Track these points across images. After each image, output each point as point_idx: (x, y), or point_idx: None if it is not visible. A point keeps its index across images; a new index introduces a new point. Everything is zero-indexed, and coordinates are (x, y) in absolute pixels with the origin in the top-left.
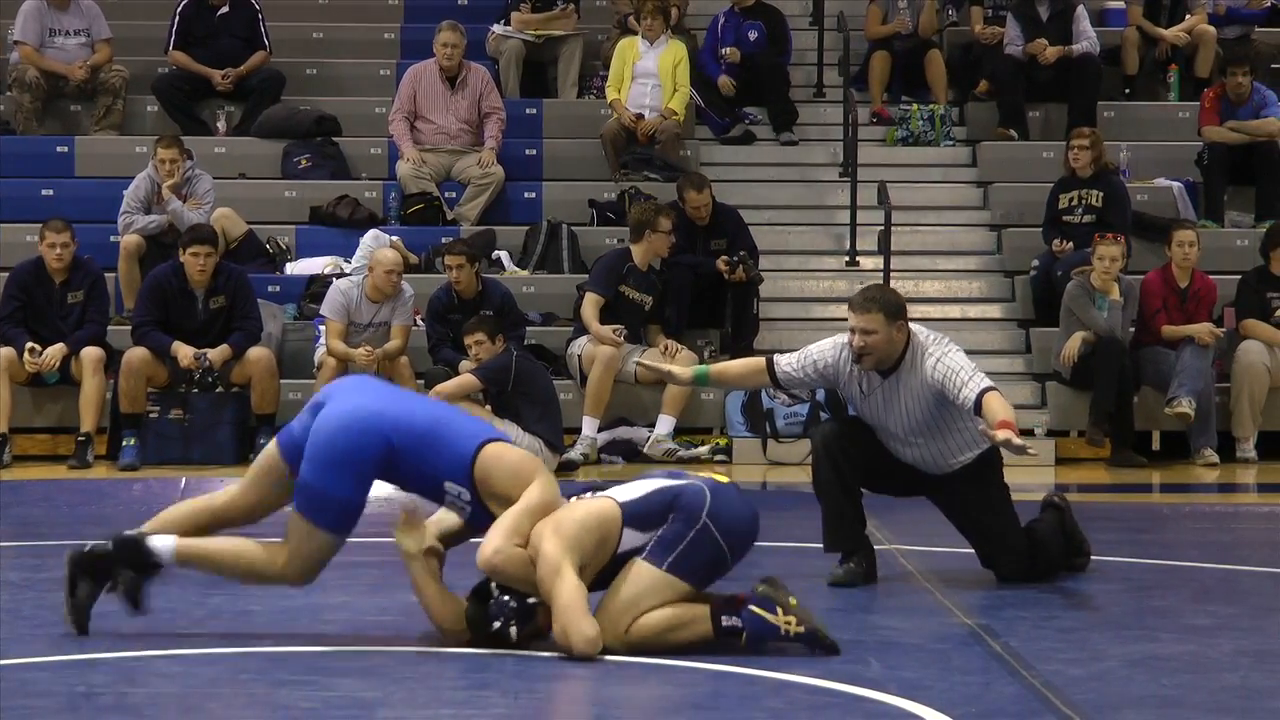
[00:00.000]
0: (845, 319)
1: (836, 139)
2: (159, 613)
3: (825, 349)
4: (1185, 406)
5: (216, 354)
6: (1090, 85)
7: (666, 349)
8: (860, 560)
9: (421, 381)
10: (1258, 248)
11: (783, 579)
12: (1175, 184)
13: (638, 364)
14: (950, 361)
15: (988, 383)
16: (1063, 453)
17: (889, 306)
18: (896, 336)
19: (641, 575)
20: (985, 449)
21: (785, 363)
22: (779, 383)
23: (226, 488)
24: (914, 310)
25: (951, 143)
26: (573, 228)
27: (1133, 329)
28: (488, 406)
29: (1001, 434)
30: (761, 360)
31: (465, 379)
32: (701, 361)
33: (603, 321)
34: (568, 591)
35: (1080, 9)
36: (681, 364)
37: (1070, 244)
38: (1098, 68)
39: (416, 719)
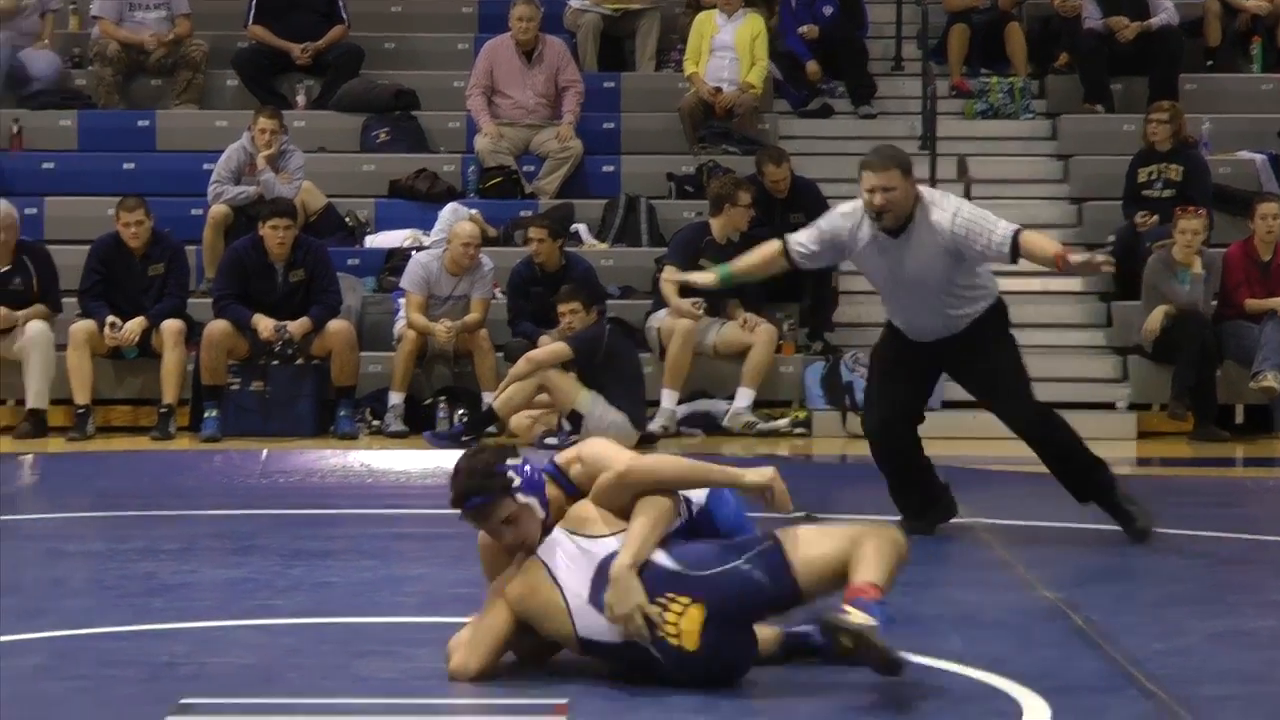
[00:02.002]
0: None
1: (915, 112)
2: (240, 583)
3: (835, 219)
4: (1270, 380)
5: (296, 327)
6: (1171, 58)
7: (745, 322)
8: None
9: (501, 354)
10: None
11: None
12: (1258, 156)
13: (663, 280)
14: (970, 211)
15: (1014, 224)
16: (1144, 427)
17: (904, 162)
18: (911, 192)
19: None
20: (993, 300)
21: (798, 241)
22: (795, 263)
23: None
24: None
25: (1031, 115)
26: (651, 201)
27: (1214, 303)
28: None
29: (1075, 258)
30: (777, 243)
31: (558, 346)
32: (782, 336)
33: (682, 295)
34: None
35: None
36: (762, 339)
37: (1155, 217)
38: (1178, 40)
39: (495, 690)
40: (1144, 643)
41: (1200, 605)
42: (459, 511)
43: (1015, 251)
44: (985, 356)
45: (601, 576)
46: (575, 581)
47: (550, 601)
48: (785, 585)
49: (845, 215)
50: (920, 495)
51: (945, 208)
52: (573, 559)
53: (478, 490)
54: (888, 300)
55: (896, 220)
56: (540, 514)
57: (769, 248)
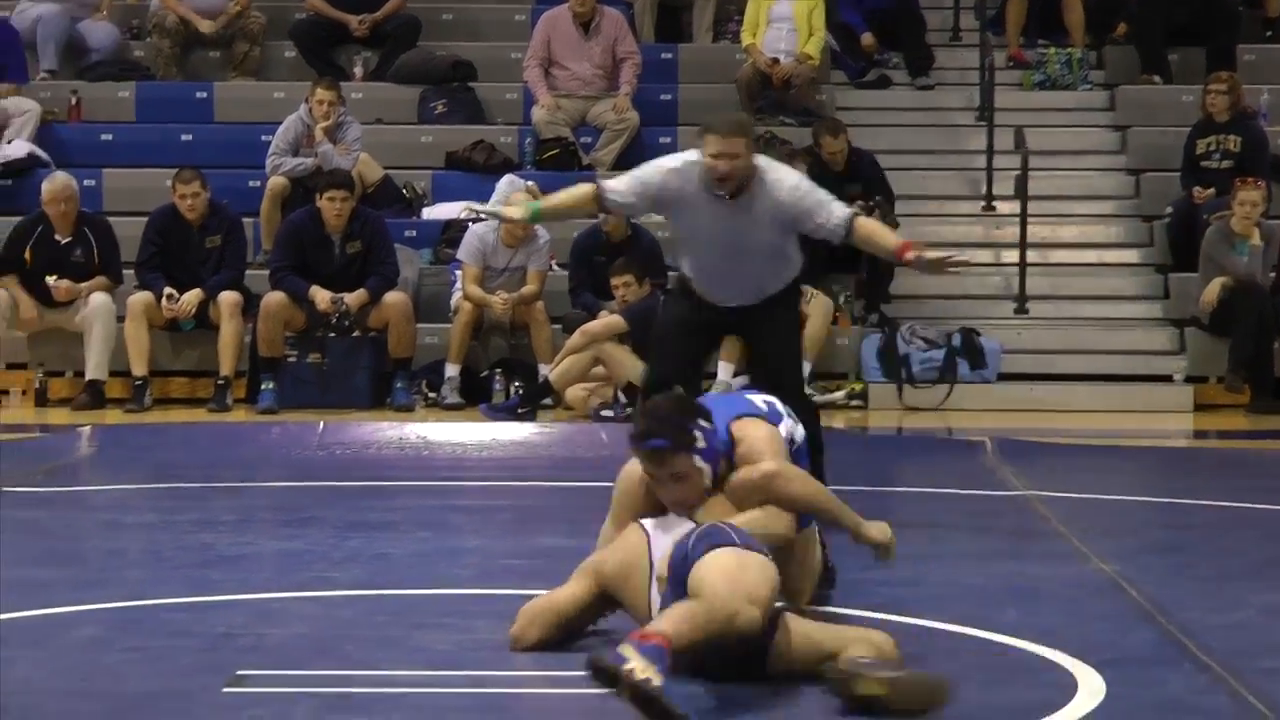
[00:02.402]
0: (983, 263)
1: (973, 83)
2: (297, 555)
3: (662, 173)
4: None
5: (353, 298)
6: (1229, 28)
7: (802, 294)
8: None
9: (558, 326)
10: None
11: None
12: None
13: (467, 207)
14: (810, 186)
15: (851, 208)
16: (1201, 399)
17: (749, 130)
18: (751, 161)
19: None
20: (795, 275)
21: (613, 188)
22: (607, 207)
23: None
24: (1051, 255)
25: (1089, 86)
26: None
27: (1273, 274)
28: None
29: (929, 255)
30: (590, 186)
31: (612, 320)
32: (838, 308)
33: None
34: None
35: None
36: (818, 311)
37: (1211, 190)
38: (1236, 10)
39: (550, 662)
40: (1199, 616)
41: (1256, 578)
42: (634, 447)
43: (850, 233)
44: (775, 332)
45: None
46: (663, 562)
47: (637, 574)
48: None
49: (675, 171)
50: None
51: (785, 179)
52: (671, 532)
53: (662, 434)
54: (699, 261)
55: (736, 187)
56: (707, 483)
57: (581, 189)
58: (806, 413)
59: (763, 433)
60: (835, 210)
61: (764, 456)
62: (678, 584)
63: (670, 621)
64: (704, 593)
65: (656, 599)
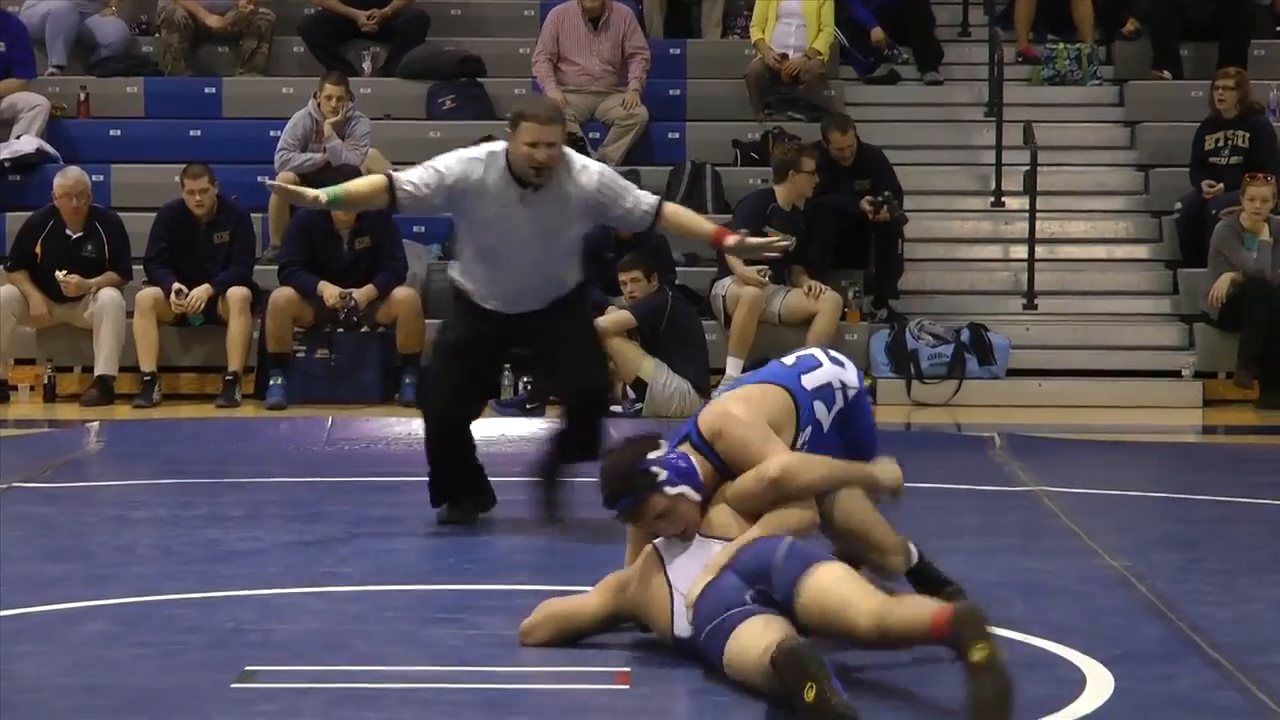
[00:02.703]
0: (991, 258)
1: (982, 78)
2: (306, 550)
3: (461, 163)
4: None
5: (362, 294)
6: (1243, 23)
7: (810, 290)
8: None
9: None
10: None
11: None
12: None
13: (267, 184)
14: (613, 174)
15: (656, 196)
16: (1210, 395)
17: (564, 116)
18: (563, 148)
19: None
20: (580, 279)
21: (409, 181)
22: (398, 201)
23: None
24: (1060, 251)
25: (1098, 82)
26: (716, 168)
27: None
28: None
29: (745, 241)
30: (382, 178)
31: (621, 315)
32: (847, 304)
33: (747, 262)
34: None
35: None
36: (827, 306)
37: (1220, 186)
38: (1250, 5)
39: (558, 658)
40: (1209, 611)
41: (1266, 573)
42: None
43: (657, 219)
44: (571, 337)
45: None
46: (684, 581)
47: (658, 596)
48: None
49: (477, 161)
50: (466, 480)
51: (589, 167)
52: (692, 557)
53: (625, 492)
54: (490, 263)
55: (551, 177)
56: (696, 497)
57: (375, 180)
58: (602, 407)
59: (740, 427)
60: (641, 196)
61: (757, 454)
62: (726, 605)
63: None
64: (853, 606)
65: (682, 621)
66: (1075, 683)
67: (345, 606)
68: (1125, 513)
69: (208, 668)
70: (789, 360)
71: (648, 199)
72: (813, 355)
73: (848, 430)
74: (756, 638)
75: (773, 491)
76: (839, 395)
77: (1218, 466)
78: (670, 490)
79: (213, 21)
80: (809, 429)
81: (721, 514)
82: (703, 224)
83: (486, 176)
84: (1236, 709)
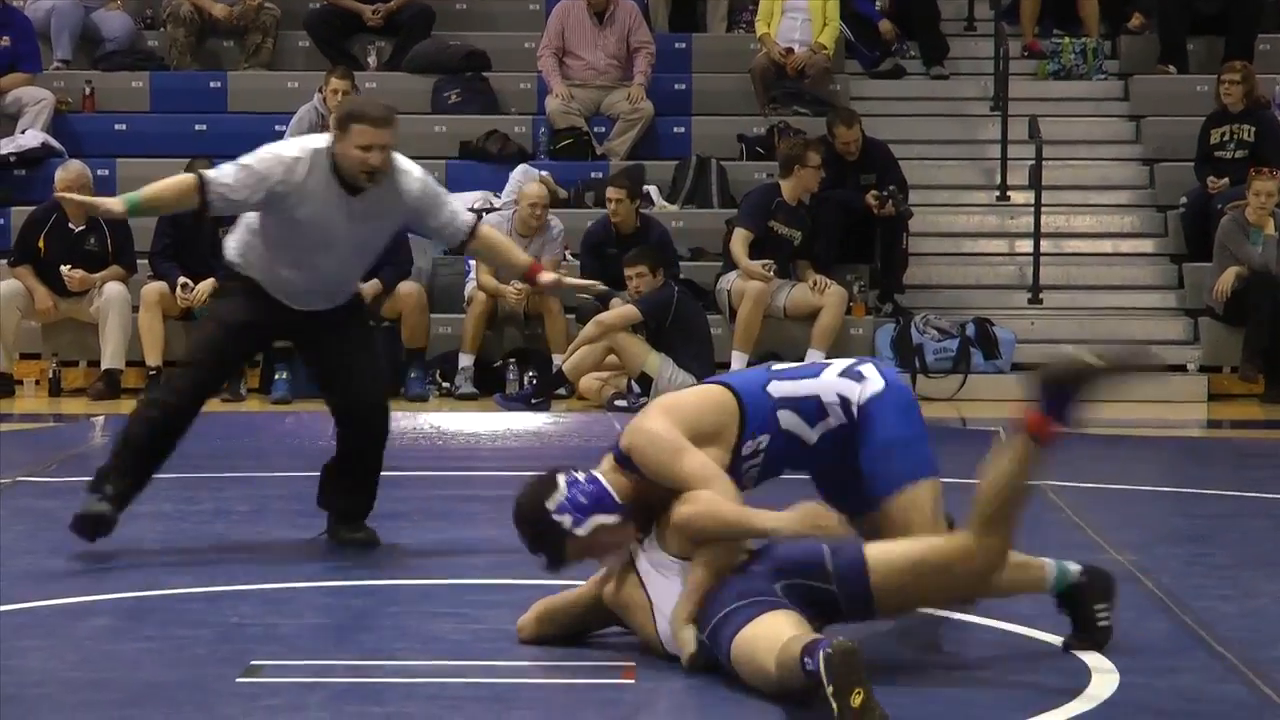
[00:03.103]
0: (997, 253)
1: (987, 73)
2: (310, 545)
3: (279, 162)
4: None
5: (367, 288)
6: (1249, 18)
7: (815, 284)
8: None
9: (572, 316)
10: None
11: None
12: None
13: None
14: (435, 183)
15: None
16: (1215, 389)
17: (396, 119)
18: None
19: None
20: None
21: (221, 183)
22: (209, 202)
23: None
24: (1065, 245)
25: (1104, 76)
26: (722, 162)
27: None
28: (641, 336)
29: (549, 278)
30: (191, 178)
31: (627, 310)
32: (852, 298)
33: (752, 256)
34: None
35: None
36: (832, 301)
37: (1225, 180)
38: (1264, 1)
39: (564, 652)
40: (1214, 605)
41: (1271, 567)
42: None
43: (471, 238)
44: (350, 338)
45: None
46: (661, 593)
47: (636, 603)
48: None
49: (296, 160)
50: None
51: (412, 172)
52: (661, 568)
53: (538, 547)
54: (293, 259)
55: (381, 182)
56: (612, 520)
57: (182, 180)
58: (385, 422)
59: (648, 448)
60: (459, 212)
61: (663, 471)
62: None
63: None
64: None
65: (667, 632)
66: (1080, 676)
67: (350, 601)
68: (1130, 507)
69: (213, 662)
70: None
71: (465, 216)
72: (828, 365)
73: (854, 450)
74: (779, 630)
75: (684, 534)
76: (836, 411)
77: (1223, 461)
78: (580, 531)
79: (218, 10)
80: (765, 437)
81: (664, 526)
82: (518, 254)
83: (309, 177)
84: (1242, 703)
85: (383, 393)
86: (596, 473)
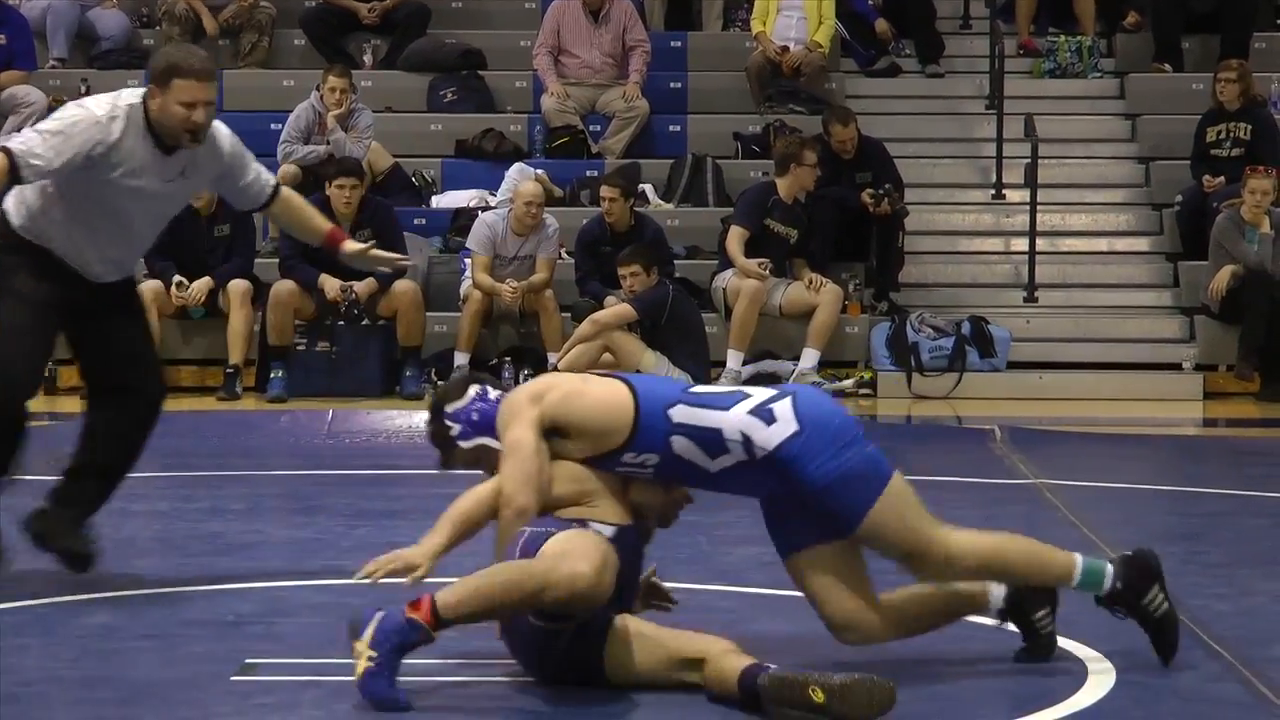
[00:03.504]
0: (992, 251)
1: (983, 71)
2: (307, 543)
3: (91, 124)
4: None
5: (363, 287)
6: (1244, 16)
7: (811, 283)
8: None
9: (568, 314)
10: None
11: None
12: None
13: None
14: (242, 145)
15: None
16: (1211, 387)
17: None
18: None
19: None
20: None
21: (34, 155)
22: (23, 178)
23: None
24: (1061, 244)
25: (1099, 75)
26: (717, 161)
27: None
28: (636, 334)
29: (353, 247)
30: (2, 159)
31: (622, 308)
32: (848, 296)
33: (748, 255)
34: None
35: None
36: (828, 299)
37: (1221, 179)
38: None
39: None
40: (1210, 604)
41: (1267, 566)
42: None
43: (272, 200)
44: (135, 318)
45: None
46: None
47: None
48: None
49: (110, 120)
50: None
51: (221, 129)
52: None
53: (431, 441)
54: (92, 225)
55: (203, 141)
56: (497, 445)
57: None
58: (159, 411)
59: (505, 405)
60: (262, 172)
61: (499, 426)
62: None
63: (456, 589)
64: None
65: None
66: (1076, 675)
67: (346, 599)
68: (1126, 505)
69: (208, 660)
70: (742, 388)
71: (268, 176)
72: (745, 397)
73: (793, 496)
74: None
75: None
76: (737, 449)
77: (1219, 459)
78: (466, 444)
79: (209, 26)
80: (653, 456)
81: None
82: (319, 220)
83: (124, 137)
84: (1238, 702)
85: (163, 378)
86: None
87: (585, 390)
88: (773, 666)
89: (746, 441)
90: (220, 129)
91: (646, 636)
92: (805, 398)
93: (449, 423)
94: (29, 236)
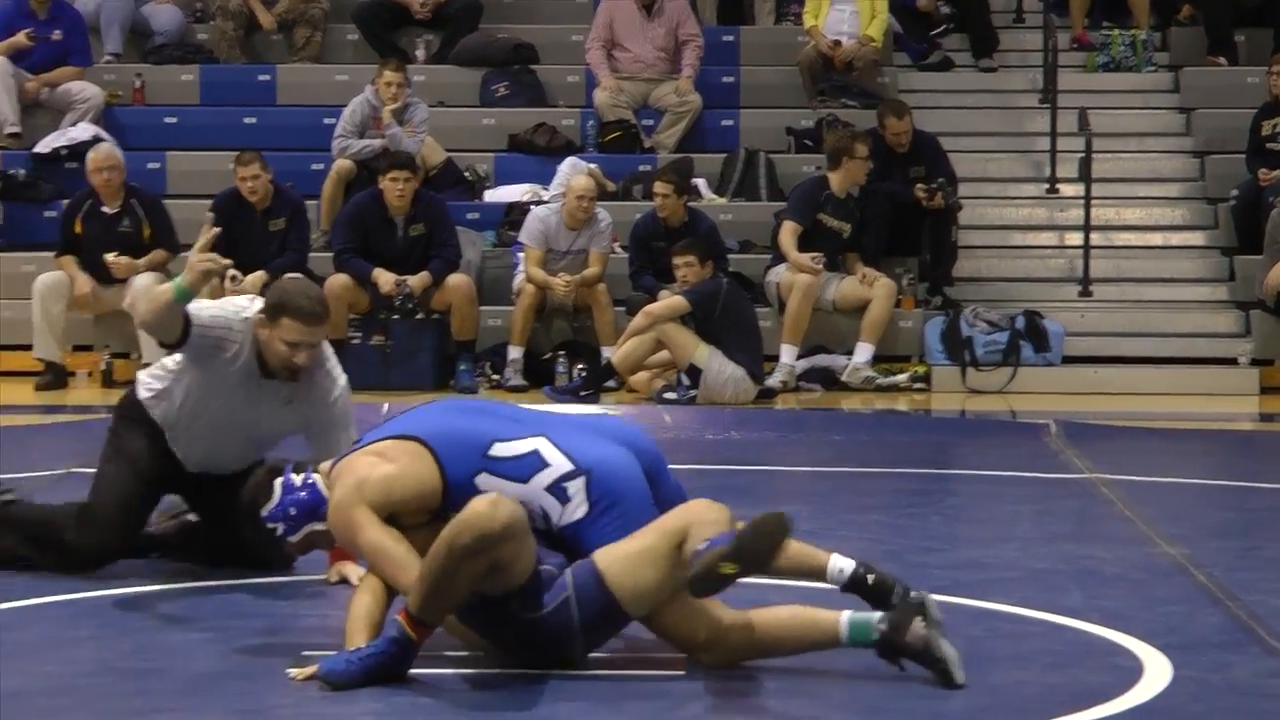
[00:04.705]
0: (1046, 245)
1: (1036, 65)
2: None
3: (237, 322)
4: None
5: (416, 281)
6: None
7: (864, 277)
8: None
9: (621, 308)
10: None
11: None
12: None
13: None
14: (349, 396)
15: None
16: (1267, 382)
17: (329, 311)
18: None
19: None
20: None
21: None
22: (185, 331)
23: None
24: (1115, 238)
25: (1153, 68)
26: (770, 155)
27: None
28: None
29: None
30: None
31: (675, 300)
32: (901, 291)
33: (801, 249)
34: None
35: None
36: (881, 293)
37: (1277, 173)
38: None
39: (612, 645)
40: (1266, 599)
41: None
42: None
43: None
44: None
45: None
46: None
47: None
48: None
49: (240, 326)
50: None
51: (338, 380)
52: None
53: (262, 542)
54: (193, 417)
55: (305, 379)
56: (323, 527)
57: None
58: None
59: (334, 516)
60: (347, 442)
61: (342, 538)
62: None
63: (413, 592)
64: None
65: None
66: (1133, 671)
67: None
68: (1181, 500)
69: (265, 653)
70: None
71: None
72: (542, 468)
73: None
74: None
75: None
76: (538, 520)
77: (1274, 454)
78: (294, 538)
79: (264, 20)
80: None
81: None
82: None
83: (242, 348)
84: None
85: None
86: (316, 474)
87: (395, 473)
88: (702, 546)
89: (545, 516)
90: (335, 377)
91: (633, 552)
92: (600, 476)
93: (269, 525)
94: (151, 413)
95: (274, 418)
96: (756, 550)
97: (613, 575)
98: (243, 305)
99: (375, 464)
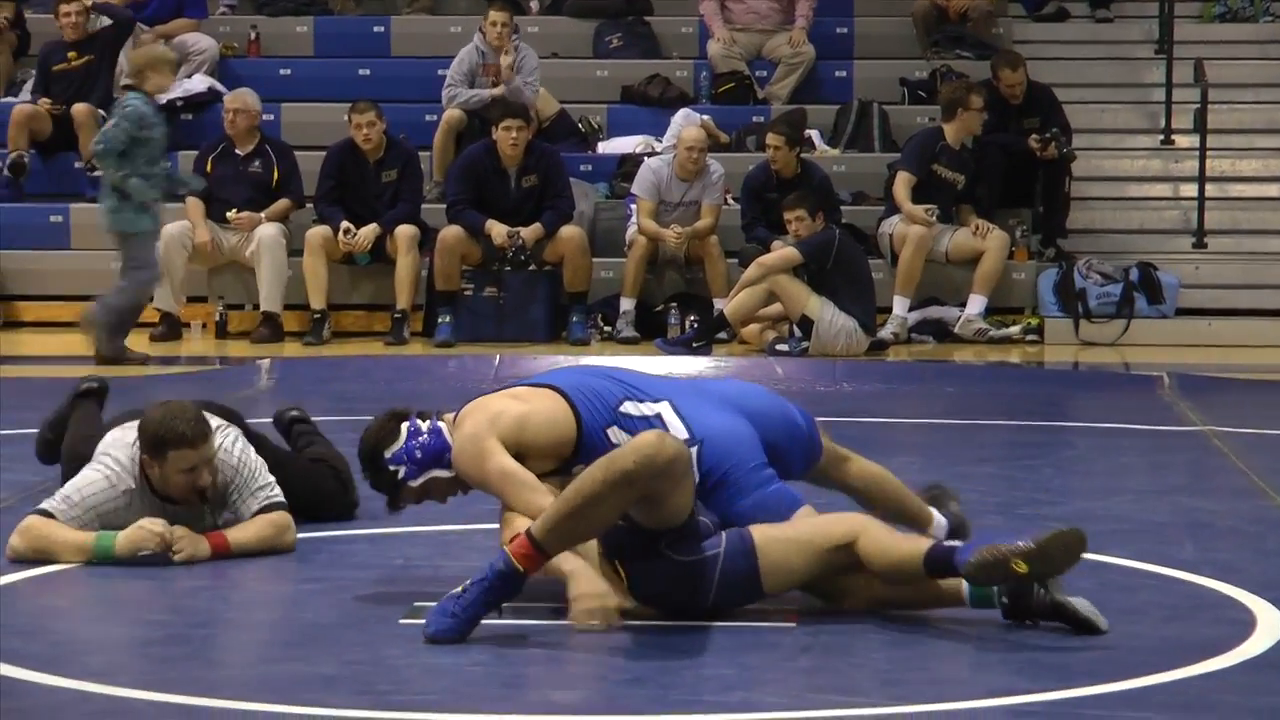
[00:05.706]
0: (1161, 197)
1: (1152, 15)
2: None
3: (97, 487)
4: None
5: (529, 232)
6: None
7: (978, 229)
8: None
9: (734, 260)
10: None
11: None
12: None
13: None
14: (247, 462)
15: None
16: None
17: (210, 428)
18: None
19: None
20: None
21: (58, 511)
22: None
23: None
24: (1230, 189)
25: (1270, 19)
26: (884, 106)
27: None
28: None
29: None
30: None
31: (788, 252)
32: (1014, 242)
33: (914, 201)
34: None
35: None
36: (995, 245)
37: None
38: None
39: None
40: None
41: None
42: None
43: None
44: None
45: None
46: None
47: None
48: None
49: (115, 485)
50: None
51: (226, 463)
52: None
53: (376, 488)
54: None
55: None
56: (447, 475)
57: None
58: None
59: (461, 455)
60: (268, 497)
61: (468, 470)
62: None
63: (546, 516)
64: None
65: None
66: (1244, 623)
67: None
68: None
69: (377, 603)
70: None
71: (267, 496)
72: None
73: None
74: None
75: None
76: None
77: None
78: (414, 483)
79: None
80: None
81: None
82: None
83: (132, 496)
84: None
85: None
86: (441, 422)
87: (530, 411)
88: (958, 544)
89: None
90: (231, 452)
91: (789, 539)
92: (711, 447)
93: (392, 467)
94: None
95: (197, 522)
96: (1054, 559)
97: (766, 552)
98: (110, 464)
99: (510, 403)
